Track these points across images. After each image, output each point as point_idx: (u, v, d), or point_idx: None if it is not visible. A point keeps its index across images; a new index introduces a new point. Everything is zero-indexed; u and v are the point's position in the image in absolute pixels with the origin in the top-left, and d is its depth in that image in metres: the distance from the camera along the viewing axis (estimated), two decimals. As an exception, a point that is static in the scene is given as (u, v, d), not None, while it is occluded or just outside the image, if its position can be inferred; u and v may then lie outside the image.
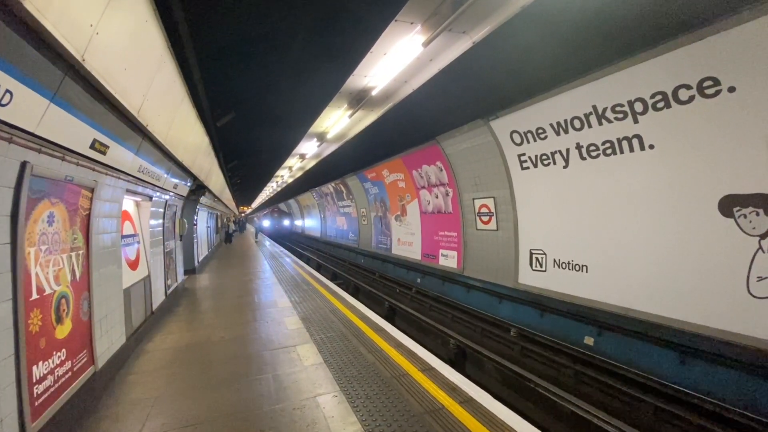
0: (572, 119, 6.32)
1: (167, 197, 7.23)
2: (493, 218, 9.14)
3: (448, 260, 11.24)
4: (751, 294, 4.61)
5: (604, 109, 5.79)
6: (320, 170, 16.79)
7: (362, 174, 16.21)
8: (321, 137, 11.20)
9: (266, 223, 42.99)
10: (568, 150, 6.68)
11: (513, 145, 7.76)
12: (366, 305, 7.26)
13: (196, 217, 12.25)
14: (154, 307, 6.33)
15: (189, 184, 8.80)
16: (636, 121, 5.48)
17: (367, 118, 8.87)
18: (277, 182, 26.27)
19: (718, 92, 4.54)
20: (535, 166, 7.50)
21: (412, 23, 4.83)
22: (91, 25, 2.40)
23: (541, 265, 7.80)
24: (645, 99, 5.25)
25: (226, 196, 21.73)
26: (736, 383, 4.79)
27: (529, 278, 8.12)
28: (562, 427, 5.32)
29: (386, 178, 14.36)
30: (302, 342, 5.17)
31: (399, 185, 13.63)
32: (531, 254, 8.04)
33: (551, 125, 6.74)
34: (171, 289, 7.78)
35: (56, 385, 3.01)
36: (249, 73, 5.58)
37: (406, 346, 4.90)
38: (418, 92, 6.64)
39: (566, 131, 6.54)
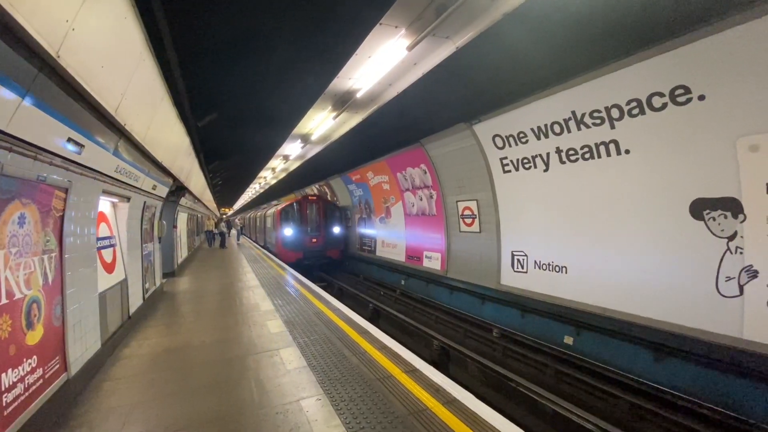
0: (552, 124, 6.48)
1: (146, 198, 7.04)
2: (476, 220, 9.26)
3: (432, 262, 11.32)
4: (720, 293, 4.82)
5: (583, 115, 5.96)
6: (304, 172, 16.66)
7: (346, 176, 16.17)
8: (305, 139, 11.13)
9: (288, 232, 17.50)
10: (548, 154, 6.84)
11: (495, 148, 7.90)
12: (350, 308, 7.23)
13: (176, 219, 11.96)
14: (131, 311, 6.15)
15: (168, 184, 8.59)
16: (613, 127, 5.67)
17: (352, 120, 8.87)
18: (260, 183, 25.94)
19: (689, 100, 4.74)
20: (517, 169, 7.65)
21: (396, 27, 4.86)
22: (67, 21, 2.33)
23: (522, 267, 7.94)
24: (621, 105, 5.43)
25: (207, 197, 21.32)
26: (707, 380, 4.98)
27: (511, 279, 8.25)
28: (544, 425, 5.43)
29: (370, 180, 14.37)
30: (285, 345, 5.11)
31: (383, 187, 13.66)
32: (513, 256, 8.18)
33: (532, 130, 6.89)
34: (149, 293, 7.57)
35: (27, 393, 2.89)
36: (232, 74, 5.51)
37: (390, 348, 4.90)
38: (402, 95, 6.69)
39: (546, 136, 6.69)
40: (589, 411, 5.10)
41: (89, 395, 3.83)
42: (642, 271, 5.70)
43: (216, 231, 25.37)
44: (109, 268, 5.39)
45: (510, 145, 7.54)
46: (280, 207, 18.56)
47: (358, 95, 7.08)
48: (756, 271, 4.47)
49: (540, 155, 7.01)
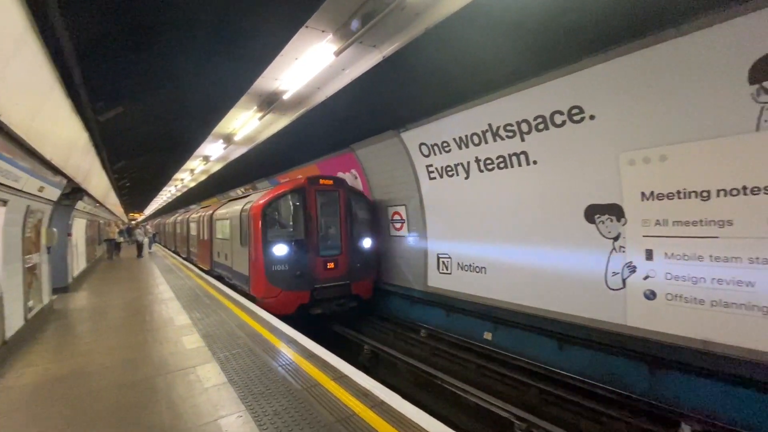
0: (472, 135, 6.96)
1: (29, 202, 6.02)
2: (405, 225, 9.54)
3: (363, 266, 11.36)
4: (608, 287, 5.57)
5: (498, 128, 6.49)
6: (228, 174, 15.69)
7: (275, 179, 15.57)
8: (228, 139, 10.50)
9: (279, 252, 8.20)
10: (468, 163, 7.33)
11: (421, 156, 8.24)
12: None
13: (71, 225, 10.43)
14: (8, 335, 5.19)
15: (61, 186, 7.46)
16: (523, 140, 6.26)
17: (280, 122, 8.60)
18: (176, 186, 23.81)
19: (582, 119, 5.44)
20: (441, 176, 8.06)
21: (323, 31, 4.84)
22: None
23: (447, 269, 8.36)
24: (529, 120, 6.04)
25: (112, 200, 18.98)
26: (600, 363, 5.71)
27: (437, 281, 8.64)
28: (467, 418, 5.74)
29: (300, 185, 14.01)
30: (203, 362, 4.72)
31: (313, 192, 13.40)
32: (438, 258, 8.58)
33: (454, 139, 7.33)
34: (34, 312, 6.47)
35: None
36: (140, 65, 5.01)
37: (318, 356, 4.80)
38: (331, 100, 6.67)
39: (467, 146, 7.17)
40: (505, 400, 5.51)
41: (-55, 442, 3.15)
42: (548, 270, 6.36)
43: (122, 240, 22.69)
44: (-23, 285, 4.51)
45: (435, 154, 7.92)
46: (260, 201, 8.87)
47: (285, 96, 6.89)
48: (635, 267, 5.26)
49: (461, 164, 7.48)
